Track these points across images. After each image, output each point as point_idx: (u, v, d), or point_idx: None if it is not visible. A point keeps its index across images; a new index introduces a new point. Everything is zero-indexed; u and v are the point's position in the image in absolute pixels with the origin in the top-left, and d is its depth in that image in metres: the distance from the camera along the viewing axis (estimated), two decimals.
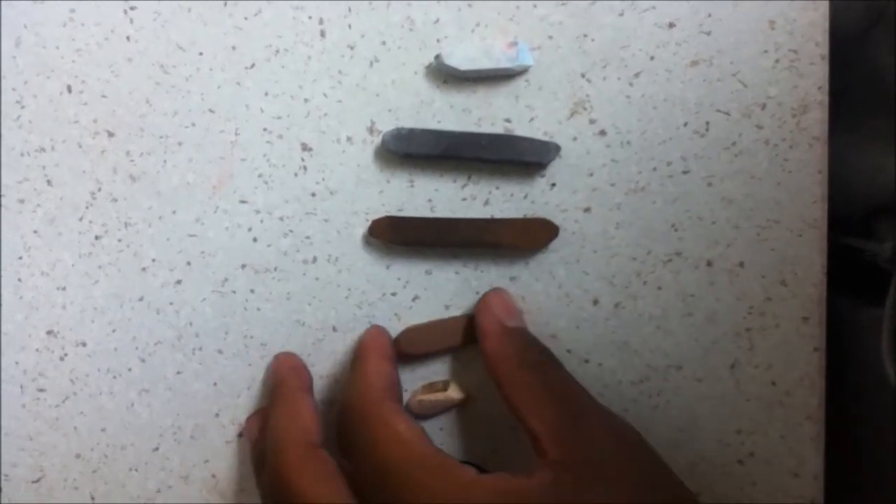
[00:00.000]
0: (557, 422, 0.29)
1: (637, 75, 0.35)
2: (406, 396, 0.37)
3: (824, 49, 0.34)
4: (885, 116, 0.36)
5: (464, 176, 0.36)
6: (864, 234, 0.38)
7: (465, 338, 0.36)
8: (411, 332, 0.36)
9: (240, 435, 0.38)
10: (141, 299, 0.37)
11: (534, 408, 0.30)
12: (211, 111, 0.36)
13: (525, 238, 0.35)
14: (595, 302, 0.36)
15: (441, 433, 0.37)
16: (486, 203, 0.36)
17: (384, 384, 0.32)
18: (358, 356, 0.35)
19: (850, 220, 0.38)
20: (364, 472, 0.29)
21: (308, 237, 0.37)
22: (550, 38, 0.35)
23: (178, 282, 0.37)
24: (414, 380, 0.37)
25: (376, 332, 0.36)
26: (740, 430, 0.36)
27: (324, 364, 0.37)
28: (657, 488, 0.29)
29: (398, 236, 0.36)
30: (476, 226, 0.35)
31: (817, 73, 0.35)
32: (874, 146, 0.37)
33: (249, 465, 0.37)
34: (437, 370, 0.37)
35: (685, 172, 0.35)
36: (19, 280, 0.37)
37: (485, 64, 0.35)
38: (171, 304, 0.37)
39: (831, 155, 0.35)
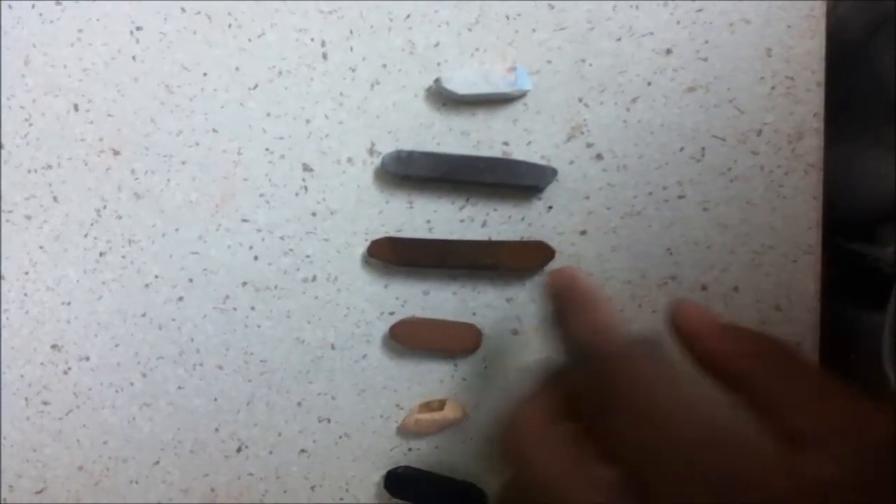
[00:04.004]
0: (843, 421, 0.26)
1: (634, 101, 0.35)
2: (402, 416, 0.37)
3: (820, 76, 0.35)
4: (888, 124, 0.36)
5: (462, 198, 0.36)
6: (867, 239, 0.38)
7: (462, 344, 0.36)
8: (408, 325, 0.36)
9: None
10: (144, 315, 0.38)
11: (811, 408, 0.27)
12: (214, 131, 0.37)
13: (522, 260, 0.36)
14: None
15: (437, 451, 0.37)
16: (484, 225, 0.36)
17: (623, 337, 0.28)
18: (565, 301, 0.30)
19: (853, 225, 0.39)
20: (631, 444, 0.25)
21: (308, 256, 0.37)
22: (549, 62, 0.36)
23: (181, 298, 0.38)
24: (410, 398, 0.37)
25: (572, 275, 0.30)
26: None
27: (322, 381, 0.38)
28: None
29: (397, 257, 0.36)
30: (474, 248, 0.36)
31: (813, 100, 0.35)
32: (877, 153, 0.38)
33: (247, 480, 0.38)
34: (434, 389, 0.37)
35: (681, 197, 0.35)
36: (25, 295, 0.38)
37: (484, 88, 0.35)
38: (174, 320, 0.38)
39: (835, 161, 0.35)
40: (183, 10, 0.37)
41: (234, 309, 0.37)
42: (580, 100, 0.36)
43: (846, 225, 0.38)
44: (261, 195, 0.37)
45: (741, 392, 0.28)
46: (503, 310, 0.36)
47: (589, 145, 0.36)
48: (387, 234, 0.37)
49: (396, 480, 0.37)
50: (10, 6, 0.37)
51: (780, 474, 0.24)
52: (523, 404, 0.29)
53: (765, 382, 0.28)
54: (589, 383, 0.27)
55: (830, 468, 0.24)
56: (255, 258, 0.37)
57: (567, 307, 0.29)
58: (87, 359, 0.38)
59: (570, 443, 0.27)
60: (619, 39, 0.35)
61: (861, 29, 0.38)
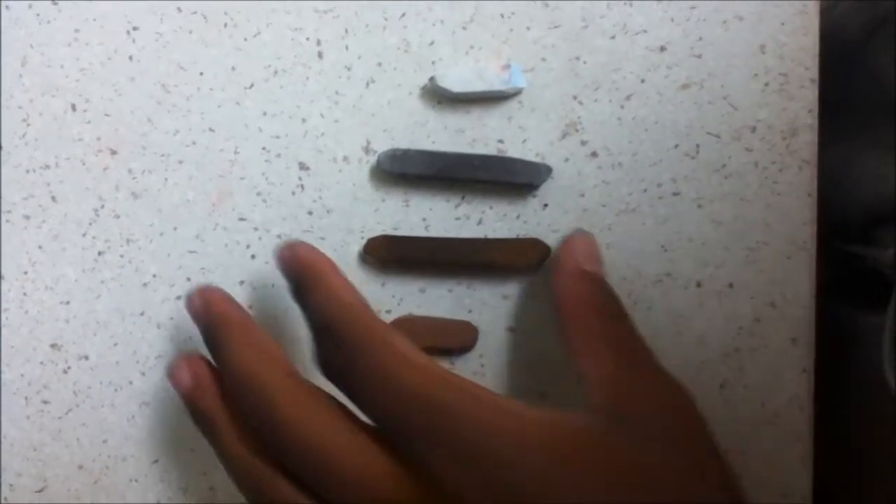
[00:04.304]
0: (614, 371, 0.28)
1: (628, 98, 0.36)
2: None
3: (814, 73, 0.35)
4: (886, 124, 0.37)
5: (457, 196, 0.36)
6: (865, 241, 0.38)
7: (458, 342, 0.36)
8: (405, 323, 0.36)
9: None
10: (142, 314, 0.38)
11: (592, 352, 0.29)
12: (211, 130, 0.37)
13: (517, 258, 0.36)
14: None
15: None
16: (480, 223, 0.36)
17: (365, 304, 0.28)
18: (308, 276, 0.30)
19: (851, 227, 0.39)
20: (375, 406, 0.26)
21: None
22: (543, 60, 0.36)
23: (179, 297, 0.38)
24: None
25: (312, 249, 0.31)
26: (729, 450, 0.36)
27: (318, 379, 0.38)
28: (704, 462, 0.28)
29: (393, 255, 0.36)
30: (469, 245, 0.36)
31: (807, 97, 0.35)
32: (875, 154, 0.38)
33: None
34: None
35: (675, 194, 0.36)
36: (24, 294, 0.38)
37: (478, 86, 0.35)
38: (172, 318, 0.38)
39: (833, 161, 0.35)
40: (179, 9, 0.37)
41: None
42: (574, 97, 0.36)
43: (844, 226, 0.38)
44: (257, 194, 0.37)
45: (561, 329, 0.32)
46: (499, 307, 0.37)
47: (583, 143, 0.36)
48: (383, 233, 0.37)
49: None
50: (6, 7, 0.38)
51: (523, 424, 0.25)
52: (262, 356, 0.29)
53: (578, 328, 0.31)
54: (340, 357, 0.28)
55: (593, 421, 0.26)
56: (253, 257, 0.37)
57: (307, 282, 0.30)
58: (87, 358, 0.39)
59: (322, 397, 0.28)
60: (613, 37, 0.35)
61: (860, 29, 0.38)
